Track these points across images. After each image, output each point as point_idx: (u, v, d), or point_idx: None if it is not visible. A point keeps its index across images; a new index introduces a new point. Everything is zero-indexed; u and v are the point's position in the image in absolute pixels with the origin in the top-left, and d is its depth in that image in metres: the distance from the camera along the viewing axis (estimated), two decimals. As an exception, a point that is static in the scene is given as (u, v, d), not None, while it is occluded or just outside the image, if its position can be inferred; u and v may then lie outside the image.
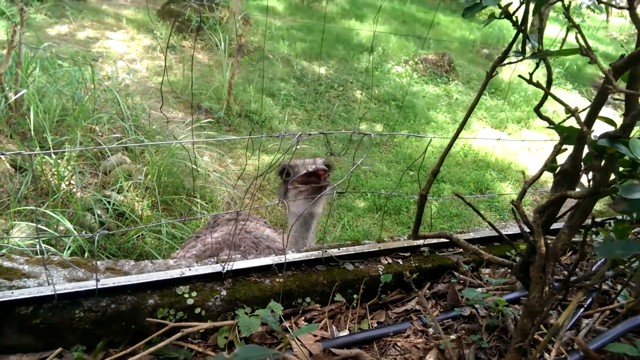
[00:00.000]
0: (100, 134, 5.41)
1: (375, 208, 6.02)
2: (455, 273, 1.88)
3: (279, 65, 9.82)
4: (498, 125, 9.44)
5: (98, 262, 1.55)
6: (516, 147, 8.26)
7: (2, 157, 4.41)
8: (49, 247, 3.52)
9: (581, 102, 11.04)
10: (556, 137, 1.26)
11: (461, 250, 1.97)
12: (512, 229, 2.23)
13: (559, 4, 1.10)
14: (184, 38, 9.74)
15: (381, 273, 1.74)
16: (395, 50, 11.81)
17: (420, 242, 1.91)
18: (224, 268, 1.55)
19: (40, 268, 1.46)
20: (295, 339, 1.44)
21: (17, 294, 1.32)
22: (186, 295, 1.48)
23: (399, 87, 10.04)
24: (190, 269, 1.53)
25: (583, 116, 1.19)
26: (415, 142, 8.07)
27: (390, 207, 6.02)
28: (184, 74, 8.06)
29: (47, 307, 1.34)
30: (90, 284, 1.36)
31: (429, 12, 16.42)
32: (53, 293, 1.32)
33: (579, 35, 0.99)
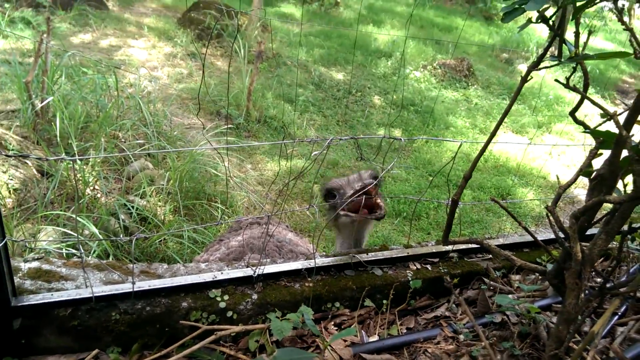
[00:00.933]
0: (123, 140, 5.50)
1: (394, 214, 5.98)
2: (485, 279, 1.86)
3: (297, 71, 9.88)
4: (519, 130, 9.33)
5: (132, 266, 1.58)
6: (538, 152, 8.13)
7: (29, 162, 4.52)
8: (74, 251, 3.58)
9: (604, 106, 10.82)
10: (582, 142, 1.25)
11: (490, 256, 1.95)
12: (540, 235, 2.20)
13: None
14: (204, 45, 9.87)
15: (410, 279, 1.74)
16: (413, 56, 11.78)
17: (449, 247, 1.90)
18: (254, 272, 1.56)
19: (78, 271, 1.49)
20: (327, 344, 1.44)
21: (57, 296, 1.35)
22: (218, 299, 1.49)
23: (417, 92, 10.00)
24: (222, 273, 1.55)
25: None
26: (435, 147, 8.02)
27: (410, 213, 5.98)
28: (205, 81, 8.17)
29: (85, 309, 1.37)
30: (126, 287, 1.38)
31: (447, 17, 16.35)
32: (91, 295, 1.35)
33: (632, 38, 0.98)
